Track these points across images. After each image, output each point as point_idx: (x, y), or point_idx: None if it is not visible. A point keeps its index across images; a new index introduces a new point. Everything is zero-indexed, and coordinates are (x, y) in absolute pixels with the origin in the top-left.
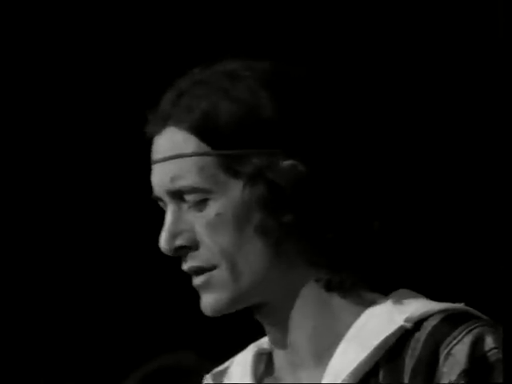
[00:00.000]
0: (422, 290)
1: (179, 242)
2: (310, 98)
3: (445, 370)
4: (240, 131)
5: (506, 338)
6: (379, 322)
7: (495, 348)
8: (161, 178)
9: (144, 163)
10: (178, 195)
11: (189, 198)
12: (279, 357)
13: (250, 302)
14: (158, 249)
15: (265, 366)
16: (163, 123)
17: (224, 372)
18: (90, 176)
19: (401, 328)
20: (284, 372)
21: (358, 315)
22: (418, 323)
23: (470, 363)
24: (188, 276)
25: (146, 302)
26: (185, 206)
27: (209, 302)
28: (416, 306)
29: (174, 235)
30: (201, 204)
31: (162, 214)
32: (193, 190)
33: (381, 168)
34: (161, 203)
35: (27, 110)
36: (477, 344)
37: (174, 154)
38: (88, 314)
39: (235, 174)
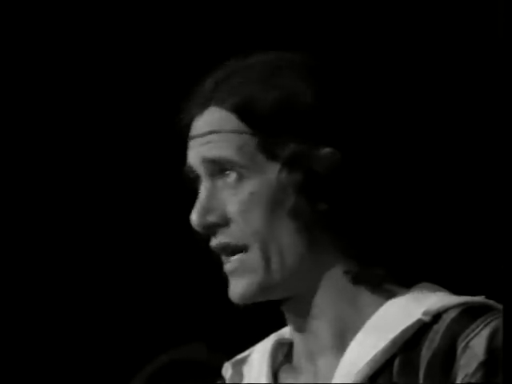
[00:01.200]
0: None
1: (211, 218)
2: (347, 87)
3: (462, 362)
4: (280, 116)
5: (506, 338)
6: (398, 314)
7: None
8: (198, 149)
9: (144, 163)
10: (213, 168)
11: (224, 172)
12: (299, 345)
13: (279, 293)
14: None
15: (284, 355)
16: (204, 105)
17: (244, 360)
18: (91, 176)
19: (419, 321)
20: (302, 360)
21: (378, 306)
22: (437, 316)
23: (488, 356)
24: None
25: (153, 297)
26: (219, 183)
27: (238, 287)
28: (435, 300)
29: (206, 211)
30: (235, 182)
31: (161, 214)
32: (229, 163)
33: (411, 160)
34: (192, 176)
35: (27, 110)
36: (494, 337)
37: (213, 129)
38: (91, 311)
39: (273, 157)
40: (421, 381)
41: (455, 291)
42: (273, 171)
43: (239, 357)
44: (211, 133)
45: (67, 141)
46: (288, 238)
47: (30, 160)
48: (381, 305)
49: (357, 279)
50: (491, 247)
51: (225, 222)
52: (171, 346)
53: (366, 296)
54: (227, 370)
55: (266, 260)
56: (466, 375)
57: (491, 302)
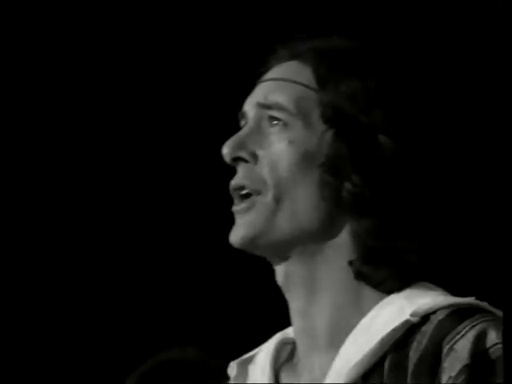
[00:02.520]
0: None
1: (241, 153)
2: (406, 84)
3: (446, 364)
4: (352, 91)
5: (506, 338)
6: (390, 313)
7: (499, 343)
8: (259, 92)
9: (144, 164)
10: (263, 114)
11: (272, 121)
12: (298, 340)
13: (278, 249)
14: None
15: (288, 354)
16: (289, 58)
17: (250, 359)
18: (91, 176)
19: (407, 322)
20: (301, 355)
21: (376, 303)
22: (426, 317)
23: (472, 359)
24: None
25: (147, 299)
26: (264, 130)
27: (242, 227)
28: (425, 301)
29: (240, 145)
30: (279, 131)
31: (161, 213)
32: (280, 107)
33: (436, 161)
34: (242, 122)
35: (28, 110)
36: (480, 339)
37: (282, 77)
38: (92, 313)
39: (328, 120)
40: (408, 381)
41: (457, 292)
42: (322, 132)
43: (245, 356)
44: (277, 80)
45: (67, 141)
46: (306, 200)
47: (30, 160)
48: (379, 301)
49: (359, 273)
50: (493, 248)
51: (253, 161)
52: (165, 347)
53: (366, 291)
54: (232, 370)
55: (277, 208)
56: (449, 377)
57: (481, 303)
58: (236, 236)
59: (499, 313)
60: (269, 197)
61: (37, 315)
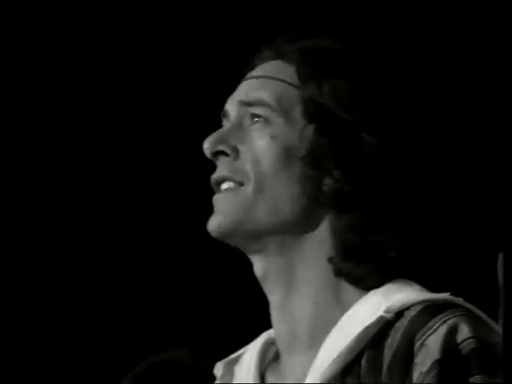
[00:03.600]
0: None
1: (222, 147)
2: (389, 82)
3: (418, 360)
4: (333, 88)
5: (506, 339)
6: (367, 310)
7: (471, 337)
8: (241, 90)
9: (144, 164)
10: (245, 111)
11: (254, 119)
12: (279, 340)
13: (256, 241)
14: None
15: (274, 354)
16: (273, 57)
17: (236, 360)
18: (91, 177)
19: (381, 318)
20: (283, 356)
21: (356, 299)
22: (400, 313)
23: (443, 354)
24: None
25: (143, 301)
26: (246, 127)
27: (220, 215)
28: (400, 297)
29: (220, 140)
30: (261, 127)
31: (162, 213)
32: (262, 103)
33: (422, 161)
34: (224, 120)
35: (27, 110)
36: (451, 334)
37: (265, 74)
38: (85, 314)
39: (310, 116)
40: (383, 379)
41: (438, 289)
42: (303, 128)
43: (232, 356)
44: (259, 77)
45: (67, 141)
46: (286, 193)
47: (30, 160)
48: (359, 298)
49: (338, 269)
50: (491, 247)
51: (234, 155)
52: (160, 348)
53: (345, 287)
54: (219, 370)
55: (257, 198)
56: (420, 373)
57: (455, 298)
58: (213, 223)
59: (474, 308)
60: (250, 188)
61: (33, 315)
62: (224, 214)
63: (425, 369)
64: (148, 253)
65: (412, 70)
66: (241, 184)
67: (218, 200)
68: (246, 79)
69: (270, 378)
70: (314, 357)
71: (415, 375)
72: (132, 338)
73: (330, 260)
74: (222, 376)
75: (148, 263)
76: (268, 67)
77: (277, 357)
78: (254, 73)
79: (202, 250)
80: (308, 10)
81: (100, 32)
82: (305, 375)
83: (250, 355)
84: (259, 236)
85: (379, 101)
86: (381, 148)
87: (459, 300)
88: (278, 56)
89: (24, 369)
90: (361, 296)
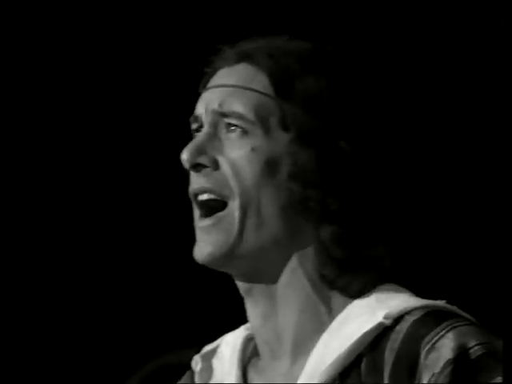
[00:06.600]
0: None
1: (202, 159)
2: (365, 88)
3: (428, 362)
4: (308, 95)
5: (506, 340)
6: (361, 316)
7: (480, 344)
8: (213, 98)
9: (144, 167)
10: (220, 120)
11: (230, 127)
12: (262, 346)
13: (245, 264)
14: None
15: (253, 349)
16: (238, 59)
17: (213, 352)
18: (91, 177)
19: (380, 324)
20: (264, 358)
21: (343, 306)
22: (399, 317)
23: (455, 354)
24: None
25: (147, 302)
26: (222, 135)
27: (208, 245)
28: (397, 302)
29: (199, 151)
30: (238, 137)
31: (161, 213)
32: (238, 116)
33: (404, 166)
34: (194, 125)
35: (27, 110)
36: (460, 339)
37: (238, 84)
38: (91, 316)
39: (286, 126)
40: (386, 380)
41: (422, 295)
42: (282, 139)
43: (208, 348)
44: (234, 86)
45: (67, 141)
46: (272, 208)
47: (30, 160)
48: (346, 304)
49: (327, 279)
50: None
51: (213, 167)
52: (164, 350)
53: (332, 294)
54: (197, 364)
55: (243, 221)
56: (433, 374)
57: (452, 307)
58: (202, 253)
59: (470, 317)
60: (234, 211)
61: (35, 316)
62: (212, 245)
63: (437, 369)
64: (156, 255)
65: (394, 71)
66: (225, 198)
67: (205, 227)
68: (216, 86)
69: (253, 377)
70: (298, 361)
71: (426, 377)
72: (138, 341)
73: (316, 269)
74: (201, 371)
75: (156, 264)
76: (237, 74)
77: (256, 352)
78: (223, 79)
79: None
80: (295, 12)
81: (100, 32)
82: (289, 378)
83: (231, 351)
84: (249, 259)
85: (354, 105)
86: (359, 156)
87: (454, 308)
88: (243, 57)
89: (26, 370)
90: (347, 302)
